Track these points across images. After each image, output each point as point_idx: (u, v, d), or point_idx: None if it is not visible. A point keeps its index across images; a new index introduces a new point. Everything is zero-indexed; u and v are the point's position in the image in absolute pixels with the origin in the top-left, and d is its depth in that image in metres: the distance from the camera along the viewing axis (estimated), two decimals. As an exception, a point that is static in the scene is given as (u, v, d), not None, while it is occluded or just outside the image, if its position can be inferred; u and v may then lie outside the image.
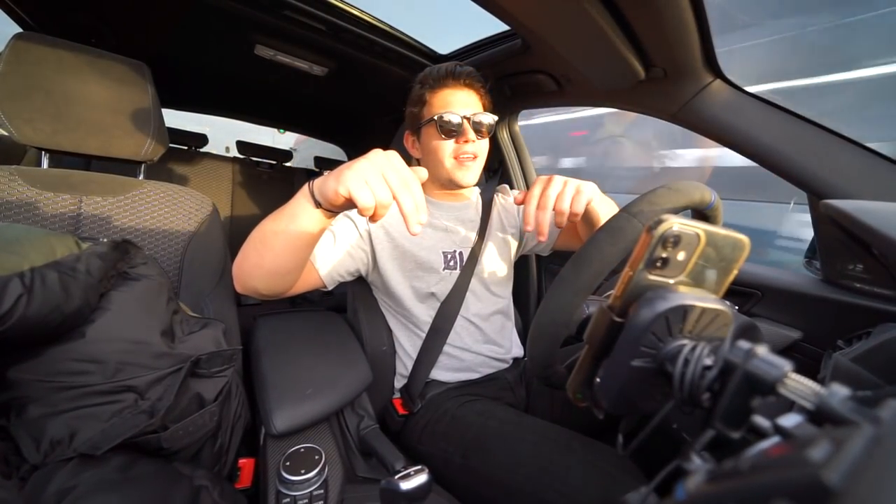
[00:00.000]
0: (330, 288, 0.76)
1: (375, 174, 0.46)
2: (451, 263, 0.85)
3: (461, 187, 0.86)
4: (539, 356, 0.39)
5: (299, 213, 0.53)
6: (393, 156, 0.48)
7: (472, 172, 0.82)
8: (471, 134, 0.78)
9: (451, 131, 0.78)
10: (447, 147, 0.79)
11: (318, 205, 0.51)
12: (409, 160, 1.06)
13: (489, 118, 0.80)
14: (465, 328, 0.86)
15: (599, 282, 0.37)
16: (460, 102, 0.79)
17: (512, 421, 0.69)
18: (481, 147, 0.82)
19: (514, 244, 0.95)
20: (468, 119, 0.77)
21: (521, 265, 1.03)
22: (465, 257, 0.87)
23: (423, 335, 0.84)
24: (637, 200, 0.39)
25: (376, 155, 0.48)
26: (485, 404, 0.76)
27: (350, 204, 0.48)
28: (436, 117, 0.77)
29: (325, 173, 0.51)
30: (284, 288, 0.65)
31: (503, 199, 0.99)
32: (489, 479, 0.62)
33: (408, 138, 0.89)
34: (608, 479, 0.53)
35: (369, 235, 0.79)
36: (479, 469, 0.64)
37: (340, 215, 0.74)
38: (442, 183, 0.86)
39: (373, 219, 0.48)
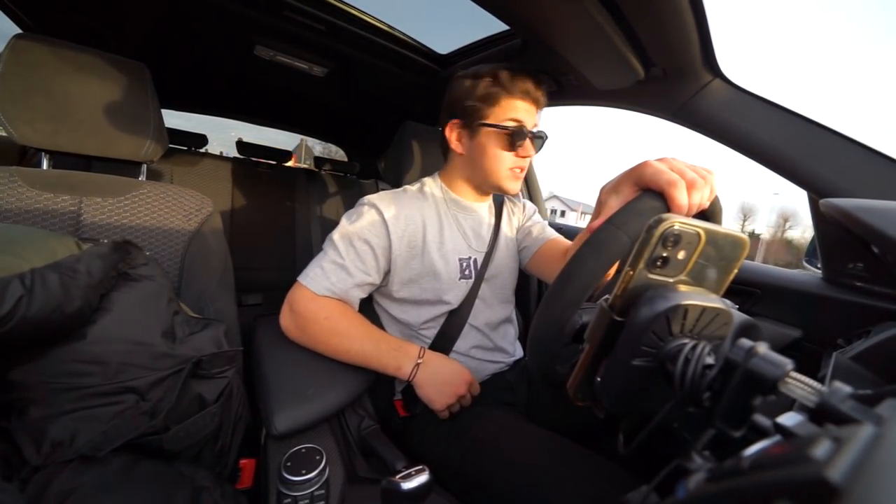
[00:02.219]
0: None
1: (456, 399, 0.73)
2: (467, 272, 0.83)
3: (508, 194, 0.86)
4: (537, 366, 0.39)
5: (392, 365, 0.72)
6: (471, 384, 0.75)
7: (520, 182, 0.84)
8: (532, 150, 0.79)
9: (518, 144, 0.77)
10: (507, 158, 0.79)
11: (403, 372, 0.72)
12: (404, 154, 1.04)
13: (544, 135, 0.81)
14: (473, 337, 0.85)
15: (587, 295, 0.36)
16: (531, 117, 0.78)
17: (510, 427, 0.69)
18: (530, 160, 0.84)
19: (517, 247, 0.95)
20: (531, 135, 0.77)
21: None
22: (479, 263, 0.85)
23: (429, 342, 0.82)
24: (621, 210, 0.38)
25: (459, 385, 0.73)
26: (484, 408, 0.75)
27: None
28: (511, 126, 0.76)
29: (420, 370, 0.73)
30: None
31: (512, 202, 0.98)
32: (484, 486, 0.62)
33: (452, 129, 0.83)
34: (601, 492, 0.53)
35: (389, 254, 0.77)
36: (475, 475, 0.64)
37: (359, 245, 0.75)
38: (482, 187, 0.86)
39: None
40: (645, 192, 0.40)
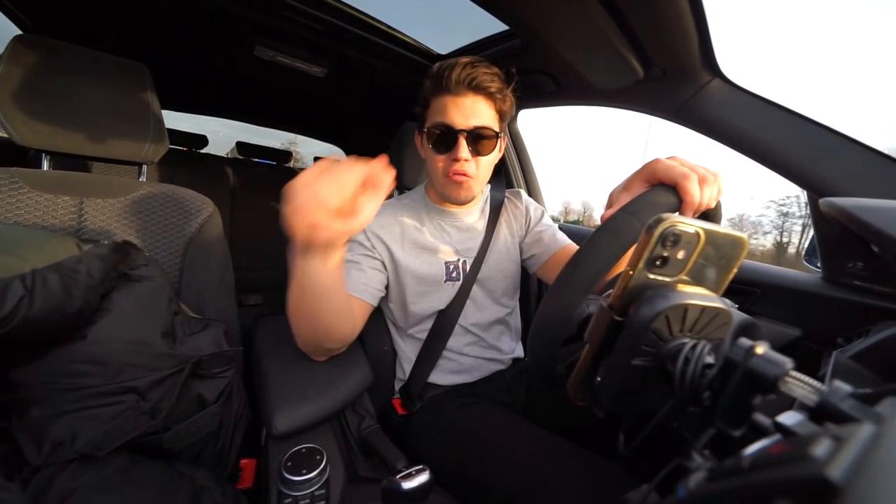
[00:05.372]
0: (376, 305, 0.77)
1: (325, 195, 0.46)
2: (454, 275, 0.82)
3: (454, 202, 0.80)
4: (539, 357, 0.39)
5: (311, 273, 0.53)
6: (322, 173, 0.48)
7: (464, 191, 0.74)
8: (463, 151, 0.68)
9: (442, 145, 0.70)
10: (440, 162, 0.73)
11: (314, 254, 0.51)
12: (403, 154, 1.04)
13: (492, 132, 0.70)
14: (465, 337, 0.85)
15: (598, 282, 0.37)
16: (462, 112, 0.68)
17: (508, 429, 0.68)
18: (475, 167, 0.72)
19: (518, 252, 0.91)
20: (464, 133, 0.68)
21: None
22: (469, 266, 0.83)
23: (422, 340, 0.84)
24: (636, 199, 0.40)
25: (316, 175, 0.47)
26: (483, 408, 0.75)
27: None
28: (425, 129, 0.70)
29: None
30: (349, 330, 0.68)
31: (514, 204, 0.93)
32: (483, 489, 0.62)
33: (417, 137, 0.82)
34: (600, 493, 0.52)
35: (374, 249, 0.79)
36: (474, 478, 0.63)
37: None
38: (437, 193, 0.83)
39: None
40: (658, 186, 0.41)
